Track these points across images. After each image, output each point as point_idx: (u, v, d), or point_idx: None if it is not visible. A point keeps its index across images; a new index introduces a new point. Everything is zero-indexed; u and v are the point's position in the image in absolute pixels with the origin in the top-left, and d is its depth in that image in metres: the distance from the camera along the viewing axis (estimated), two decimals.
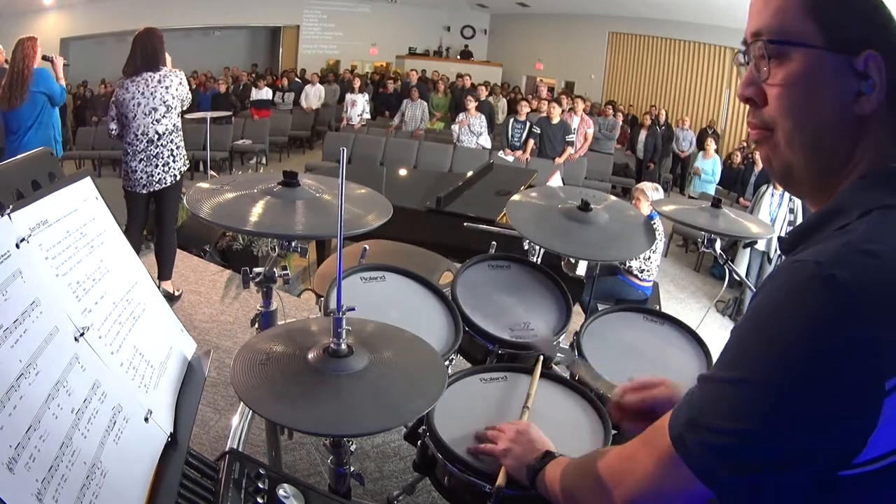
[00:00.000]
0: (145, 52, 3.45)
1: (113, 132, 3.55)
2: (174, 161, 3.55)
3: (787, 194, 5.38)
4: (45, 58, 3.80)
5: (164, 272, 3.70)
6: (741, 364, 0.64)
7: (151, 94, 3.42)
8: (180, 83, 3.52)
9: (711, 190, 8.12)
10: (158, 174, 3.51)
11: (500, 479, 1.11)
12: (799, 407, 0.58)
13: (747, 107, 0.75)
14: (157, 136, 3.46)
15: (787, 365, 0.59)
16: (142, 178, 3.50)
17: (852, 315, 0.57)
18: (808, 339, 0.58)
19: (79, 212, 1.02)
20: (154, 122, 3.44)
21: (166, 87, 3.45)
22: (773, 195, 5.49)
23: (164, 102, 3.45)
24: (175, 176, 3.57)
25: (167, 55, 3.62)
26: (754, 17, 0.72)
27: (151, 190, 3.53)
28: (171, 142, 3.52)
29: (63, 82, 3.92)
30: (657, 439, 0.69)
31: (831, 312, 0.57)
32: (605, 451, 0.83)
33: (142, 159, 3.48)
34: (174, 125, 3.53)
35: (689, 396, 0.68)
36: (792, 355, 0.59)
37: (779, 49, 0.69)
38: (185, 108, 3.67)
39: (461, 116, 8.60)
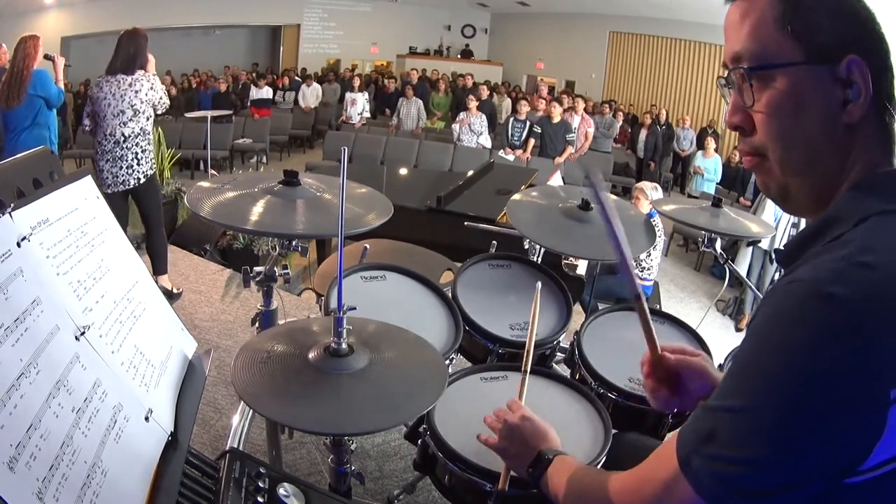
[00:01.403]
0: (126, 54, 3.52)
1: (86, 128, 3.64)
2: (138, 164, 3.60)
3: None
4: (46, 56, 3.81)
5: (157, 268, 3.75)
6: (745, 390, 0.63)
7: (121, 96, 3.49)
8: (151, 88, 3.57)
9: (712, 189, 8.13)
10: (122, 175, 3.56)
11: (502, 483, 1.11)
12: (804, 428, 0.58)
13: (738, 148, 0.74)
14: (122, 139, 3.52)
15: (790, 386, 0.59)
16: (107, 178, 3.56)
17: (852, 329, 0.56)
18: (810, 357, 0.58)
19: (80, 210, 1.02)
20: (121, 125, 3.51)
21: (136, 91, 3.51)
22: None
23: (132, 106, 3.51)
24: (139, 179, 3.61)
25: (151, 56, 3.69)
26: (732, 39, 0.71)
27: (116, 190, 3.58)
28: (137, 145, 3.58)
29: (62, 84, 3.94)
30: (667, 463, 0.69)
31: (832, 328, 0.57)
32: (614, 473, 0.82)
33: (108, 160, 3.55)
34: (141, 129, 3.58)
35: (695, 424, 0.67)
36: (794, 375, 0.58)
37: (762, 73, 0.68)
38: (160, 113, 3.74)
39: (462, 115, 8.60)
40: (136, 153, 3.57)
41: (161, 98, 3.64)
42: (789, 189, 0.72)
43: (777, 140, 0.69)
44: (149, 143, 3.66)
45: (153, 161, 3.73)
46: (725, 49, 0.72)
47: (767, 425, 0.60)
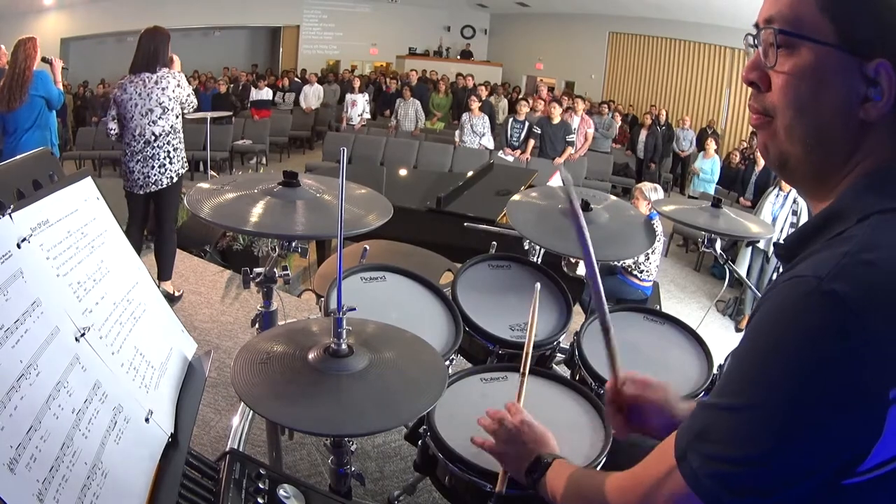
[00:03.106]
0: (147, 53, 3.47)
1: (112, 132, 3.56)
2: (171, 163, 3.56)
3: (791, 195, 5.37)
4: (44, 59, 3.81)
5: (163, 273, 3.71)
6: (744, 389, 0.63)
7: (148, 95, 3.44)
8: (178, 85, 3.53)
9: (711, 189, 8.13)
10: (155, 175, 3.52)
11: (500, 486, 1.11)
12: (803, 425, 0.58)
13: (748, 102, 0.74)
14: (153, 138, 3.48)
15: (790, 384, 0.58)
16: (139, 178, 3.52)
17: (853, 328, 0.56)
18: (810, 354, 0.57)
19: (80, 212, 1.02)
20: (150, 124, 3.46)
21: (162, 89, 3.46)
22: (777, 195, 5.48)
23: (161, 104, 3.46)
24: (172, 178, 3.57)
25: (174, 56, 3.62)
26: (769, 3, 0.71)
27: (148, 191, 3.54)
28: (168, 143, 3.53)
29: (60, 86, 3.93)
30: (664, 461, 0.69)
31: (833, 327, 0.57)
32: (611, 473, 0.82)
33: (139, 160, 3.50)
34: (171, 126, 3.53)
35: (693, 422, 0.67)
36: (794, 373, 0.58)
37: (790, 39, 0.68)
38: (188, 111, 3.68)
39: (464, 117, 8.60)
40: (168, 151, 3.53)
41: (189, 95, 3.60)
42: (789, 158, 0.72)
43: (790, 107, 0.69)
44: (180, 142, 3.62)
45: (185, 160, 3.68)
46: (761, 11, 0.72)
47: (766, 424, 0.59)
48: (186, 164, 3.71)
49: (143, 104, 3.43)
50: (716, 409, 0.65)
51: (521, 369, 1.27)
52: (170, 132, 3.53)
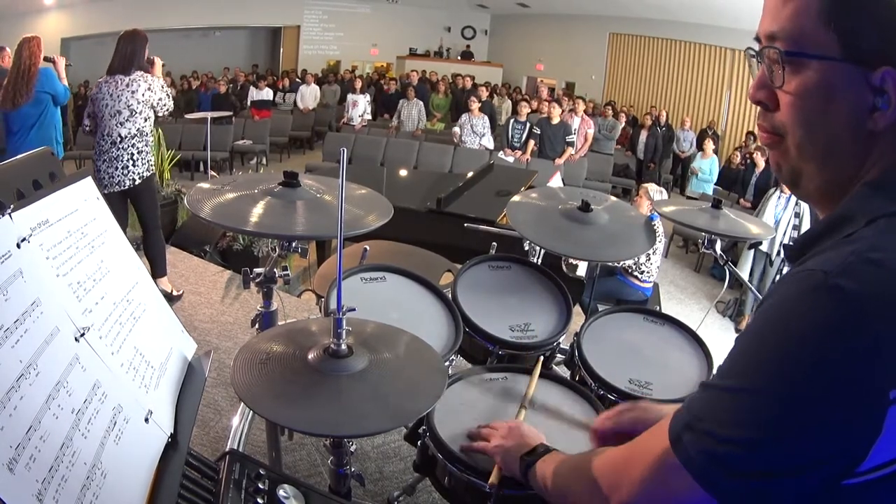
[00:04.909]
0: (124, 55, 3.54)
1: (86, 128, 3.65)
2: (134, 165, 3.59)
3: (793, 198, 5.37)
4: (46, 59, 3.82)
5: (157, 270, 3.75)
6: (744, 372, 0.63)
7: (119, 96, 3.49)
8: (148, 88, 3.56)
9: (709, 190, 8.13)
10: (118, 176, 3.56)
11: (494, 478, 1.11)
12: (802, 416, 0.58)
13: (749, 108, 0.74)
14: (119, 139, 3.52)
15: (790, 374, 0.59)
16: (104, 178, 3.56)
17: (857, 325, 0.56)
18: (813, 348, 0.58)
19: (80, 212, 1.02)
20: (118, 125, 3.51)
21: (132, 92, 3.51)
22: (779, 197, 5.48)
23: (129, 106, 3.51)
24: (134, 180, 3.60)
25: (157, 59, 3.69)
26: (770, 17, 0.70)
27: (113, 191, 3.57)
28: (133, 146, 3.57)
29: (65, 82, 3.94)
30: (656, 443, 0.69)
31: (837, 322, 0.57)
32: (601, 451, 0.82)
33: (105, 160, 3.55)
34: (138, 130, 3.57)
35: (691, 402, 0.68)
36: (796, 364, 0.58)
37: (795, 59, 0.68)
38: (161, 115, 3.74)
39: (463, 118, 8.60)
40: (132, 154, 3.57)
41: (161, 99, 3.63)
42: (801, 174, 0.72)
43: (800, 125, 0.69)
44: (146, 145, 3.66)
45: (151, 163, 3.73)
46: (761, 24, 0.72)
47: (763, 409, 0.60)
48: (152, 168, 3.75)
49: (112, 105, 3.49)
50: (717, 390, 0.65)
51: (523, 401, 1.33)
52: (136, 135, 3.56)
